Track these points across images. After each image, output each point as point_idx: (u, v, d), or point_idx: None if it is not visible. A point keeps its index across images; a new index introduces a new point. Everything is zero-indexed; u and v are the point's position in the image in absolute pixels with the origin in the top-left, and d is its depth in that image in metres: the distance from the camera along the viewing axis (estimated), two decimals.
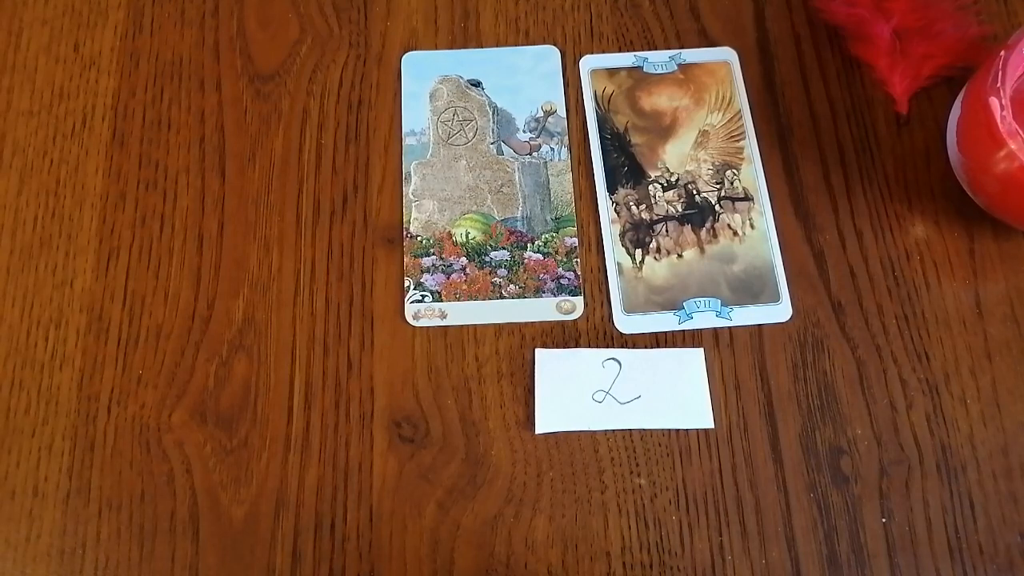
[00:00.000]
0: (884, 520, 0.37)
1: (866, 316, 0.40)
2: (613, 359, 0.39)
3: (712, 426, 0.38)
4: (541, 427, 0.38)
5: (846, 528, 0.36)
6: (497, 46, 0.45)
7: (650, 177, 0.43)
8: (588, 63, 0.45)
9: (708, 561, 0.36)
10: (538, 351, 0.39)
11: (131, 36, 0.45)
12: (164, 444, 0.38)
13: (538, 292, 0.41)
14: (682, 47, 0.45)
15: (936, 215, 0.42)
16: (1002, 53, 0.37)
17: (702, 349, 0.39)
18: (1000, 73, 0.37)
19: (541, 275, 0.41)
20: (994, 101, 0.36)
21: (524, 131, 0.44)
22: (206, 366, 0.39)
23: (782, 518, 0.37)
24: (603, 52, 0.45)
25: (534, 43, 0.45)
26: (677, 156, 0.43)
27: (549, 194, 0.42)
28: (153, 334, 0.39)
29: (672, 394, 0.38)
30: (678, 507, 0.37)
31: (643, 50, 0.45)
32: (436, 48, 0.45)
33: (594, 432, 0.38)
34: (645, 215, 0.42)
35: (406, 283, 0.40)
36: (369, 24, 0.46)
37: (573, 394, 0.38)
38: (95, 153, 0.43)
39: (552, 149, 0.43)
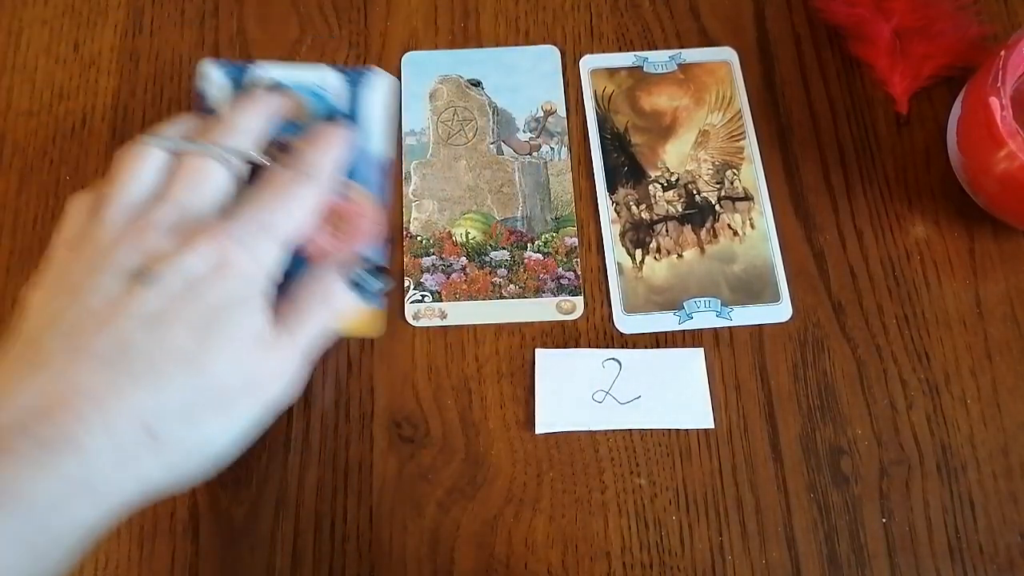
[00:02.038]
0: (884, 520, 0.37)
1: (866, 316, 0.40)
2: (613, 359, 0.39)
3: (712, 426, 0.38)
4: (541, 427, 0.38)
5: (846, 528, 0.36)
6: (497, 46, 0.45)
7: (650, 177, 0.43)
8: (588, 63, 0.45)
9: (708, 561, 0.36)
10: (538, 351, 0.39)
11: (131, 36, 0.45)
12: None
13: (538, 292, 0.40)
14: (682, 47, 0.45)
15: (936, 215, 0.42)
16: (1002, 53, 0.37)
17: (702, 349, 0.39)
18: (1000, 73, 0.37)
19: (541, 275, 0.41)
20: (994, 101, 0.36)
21: (524, 131, 0.44)
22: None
23: (782, 518, 0.37)
24: (603, 52, 0.45)
25: (534, 43, 0.45)
26: (677, 156, 0.43)
27: (549, 194, 0.42)
28: None
29: (672, 394, 0.38)
30: (678, 507, 0.37)
31: (643, 50, 0.45)
32: (436, 48, 0.45)
33: (594, 432, 0.38)
34: (645, 215, 0.42)
35: (406, 283, 0.40)
36: (369, 24, 0.46)
37: (573, 394, 0.38)
38: (95, 153, 0.43)
39: (552, 149, 0.43)
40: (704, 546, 0.36)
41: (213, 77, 0.41)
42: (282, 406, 0.32)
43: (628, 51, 0.45)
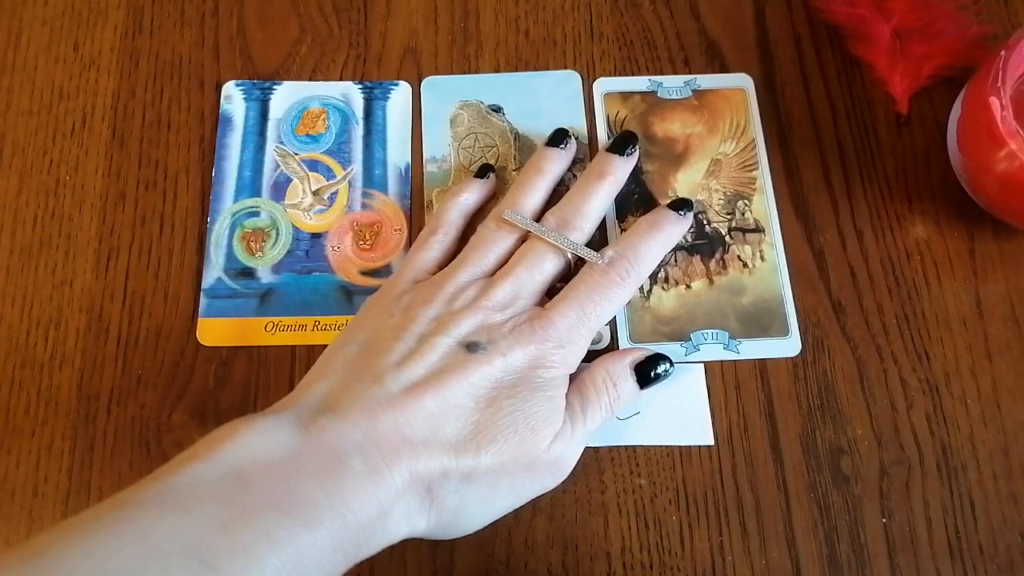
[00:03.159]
0: (884, 520, 0.37)
1: (866, 316, 0.40)
2: None
3: (712, 443, 0.38)
4: None
5: (846, 528, 0.36)
6: (497, 46, 0.45)
7: (660, 205, 0.42)
8: (601, 86, 0.44)
9: (708, 561, 0.36)
10: None
11: (131, 36, 0.45)
12: (164, 444, 0.38)
13: None
14: (682, 47, 0.45)
15: (936, 215, 0.42)
16: (1002, 53, 0.37)
17: (702, 364, 0.39)
18: (1000, 73, 0.37)
19: None
20: (994, 101, 0.36)
21: None
22: (206, 366, 0.39)
23: (782, 518, 0.37)
24: (602, 51, 0.45)
25: (533, 43, 0.45)
26: (688, 184, 0.42)
27: None
28: (153, 334, 0.39)
29: (672, 410, 0.38)
30: (678, 507, 0.37)
31: (642, 50, 0.45)
32: (436, 47, 0.45)
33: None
34: None
35: None
36: (369, 24, 0.46)
37: None
38: (95, 153, 0.43)
39: (574, 176, 0.42)
40: (704, 546, 0.36)
41: (236, 98, 0.43)
42: (547, 491, 0.35)
43: (627, 51, 0.45)
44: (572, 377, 0.36)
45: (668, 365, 0.37)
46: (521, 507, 0.37)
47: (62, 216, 0.42)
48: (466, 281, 0.36)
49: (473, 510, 0.33)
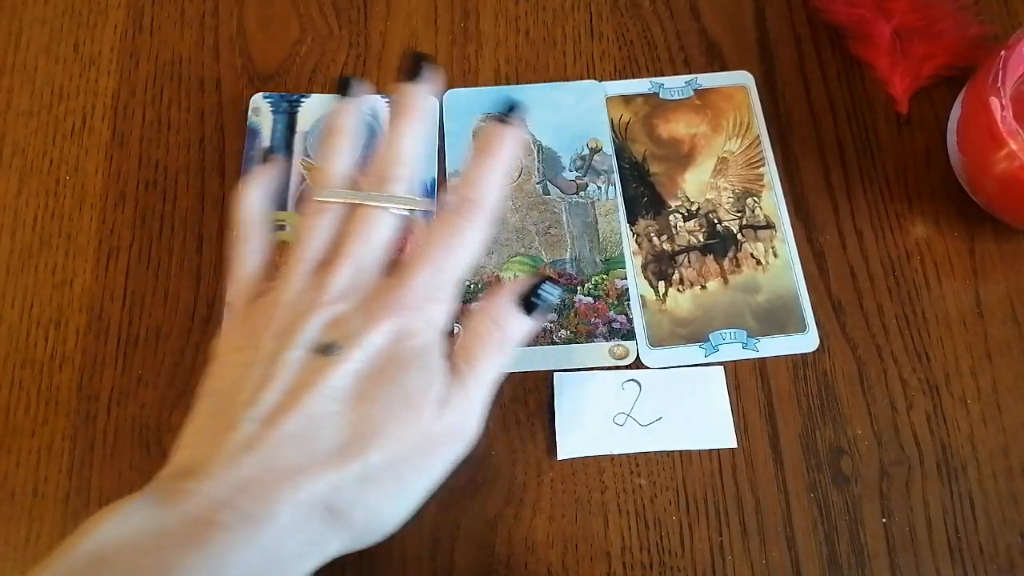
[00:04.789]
0: (884, 520, 0.37)
1: (866, 316, 0.40)
2: (633, 380, 0.39)
3: (735, 445, 0.38)
4: (563, 453, 0.37)
5: (846, 528, 0.36)
6: (497, 46, 0.45)
7: (670, 207, 0.42)
8: (604, 90, 0.44)
9: (708, 561, 0.36)
10: (556, 374, 0.39)
11: (131, 36, 0.45)
12: (164, 444, 0.38)
13: (590, 337, 0.39)
14: (682, 47, 0.45)
15: (936, 215, 0.42)
16: (1002, 53, 0.37)
17: (722, 367, 0.39)
18: (1000, 73, 0.37)
19: (592, 319, 0.40)
20: (994, 101, 0.36)
21: (570, 170, 0.42)
22: (207, 366, 0.39)
23: (782, 518, 0.37)
24: (602, 51, 0.45)
25: (533, 43, 0.45)
26: (696, 185, 0.42)
27: (598, 234, 0.41)
28: (153, 334, 0.39)
29: (694, 414, 0.38)
30: (678, 507, 0.37)
31: (642, 50, 0.45)
32: (436, 47, 0.45)
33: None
34: (667, 246, 0.41)
35: (455, 329, 0.38)
36: (369, 24, 0.46)
37: (594, 417, 0.38)
38: (95, 153, 0.43)
39: (599, 188, 0.42)
40: (704, 546, 0.36)
41: (264, 111, 0.43)
42: (460, 459, 0.32)
43: (627, 50, 0.45)
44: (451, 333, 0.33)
45: (551, 285, 0.34)
46: (521, 507, 0.37)
47: (62, 216, 0.42)
48: (302, 280, 0.33)
49: (386, 508, 0.31)
